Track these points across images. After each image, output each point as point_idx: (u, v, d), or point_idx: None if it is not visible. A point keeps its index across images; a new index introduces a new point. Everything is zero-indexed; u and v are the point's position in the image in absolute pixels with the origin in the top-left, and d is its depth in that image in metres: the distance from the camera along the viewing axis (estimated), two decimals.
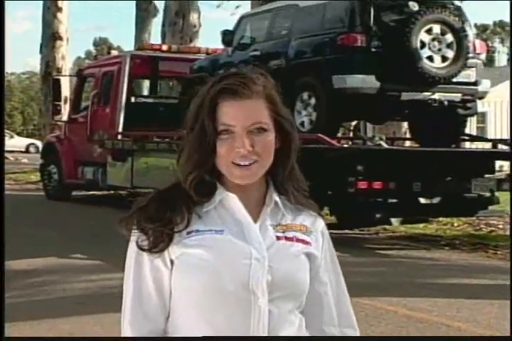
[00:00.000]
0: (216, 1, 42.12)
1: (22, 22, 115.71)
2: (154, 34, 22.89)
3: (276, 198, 1.77)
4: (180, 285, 1.70)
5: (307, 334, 1.78)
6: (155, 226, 1.69)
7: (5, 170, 23.16)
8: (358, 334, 1.89)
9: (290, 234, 1.76)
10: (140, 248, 1.71)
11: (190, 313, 1.70)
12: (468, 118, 12.78)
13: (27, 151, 39.64)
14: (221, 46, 12.11)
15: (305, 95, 9.94)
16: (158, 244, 1.69)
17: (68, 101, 17.59)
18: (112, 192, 15.21)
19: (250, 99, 1.70)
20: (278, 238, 1.74)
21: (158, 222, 1.69)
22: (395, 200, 9.48)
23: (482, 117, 24.83)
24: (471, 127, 23.38)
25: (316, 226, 1.82)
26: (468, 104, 10.25)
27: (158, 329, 1.74)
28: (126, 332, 1.74)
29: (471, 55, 10.00)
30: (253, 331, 1.67)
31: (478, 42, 10.51)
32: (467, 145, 13.42)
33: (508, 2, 11.52)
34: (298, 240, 1.76)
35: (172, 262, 1.71)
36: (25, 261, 8.55)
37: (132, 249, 1.74)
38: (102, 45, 63.84)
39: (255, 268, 1.68)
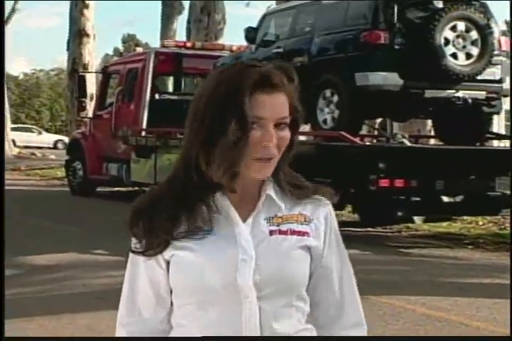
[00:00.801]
0: (243, 0, 42.07)
1: (51, 18, 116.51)
2: (180, 31, 22.91)
3: (270, 191, 1.73)
4: (175, 285, 1.72)
5: (309, 327, 1.76)
6: (146, 232, 1.70)
7: (31, 167, 23.42)
8: (363, 322, 1.84)
9: (285, 227, 1.73)
10: (133, 251, 1.73)
11: (187, 310, 1.71)
12: (497, 116, 12.69)
13: (55, 147, 39.95)
14: (246, 43, 12.12)
15: (328, 92, 9.90)
16: (151, 249, 1.70)
17: (94, 97, 17.68)
18: (136, 188, 15.28)
19: (280, 93, 1.67)
20: (271, 232, 1.71)
21: (149, 228, 1.69)
22: (417, 198, 9.41)
23: (511, 115, 24.56)
24: (500, 125, 23.17)
25: (318, 212, 1.77)
26: (493, 102, 10.15)
27: (153, 328, 1.76)
28: (119, 331, 1.76)
29: (496, 52, 9.90)
30: (245, 328, 1.67)
31: (503, 39, 10.41)
32: (495, 143, 13.28)
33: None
34: (293, 232, 1.72)
35: (167, 261, 1.72)
36: (46, 256, 8.62)
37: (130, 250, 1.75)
38: (130, 41, 64.08)
39: (242, 268, 1.66)
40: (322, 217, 1.77)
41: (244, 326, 1.67)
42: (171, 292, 1.74)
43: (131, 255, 1.75)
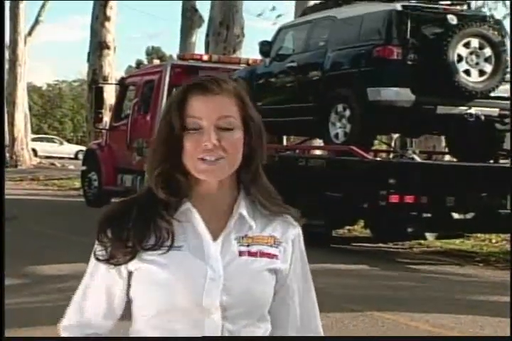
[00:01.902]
0: (260, 10, 42.31)
1: (76, 30, 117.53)
2: (199, 44, 23.01)
3: (243, 210, 1.73)
4: (139, 297, 1.71)
5: None
6: (113, 241, 1.70)
7: (49, 177, 23.54)
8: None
9: (254, 249, 1.72)
10: (96, 258, 1.73)
11: (149, 321, 1.70)
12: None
13: (76, 158, 40.11)
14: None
15: (340, 107, 9.92)
16: (116, 258, 1.70)
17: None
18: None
19: (220, 95, 1.69)
20: (240, 253, 1.71)
21: (117, 237, 1.69)
22: (427, 215, 9.37)
23: None
24: None
25: (287, 235, 1.77)
26: (506, 120, 10.11)
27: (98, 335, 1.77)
28: (62, 335, 1.77)
29: (509, 69, 9.87)
30: None
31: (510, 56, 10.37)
32: None
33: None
34: (262, 254, 1.72)
35: (130, 272, 1.71)
36: (56, 266, 8.64)
37: (92, 256, 1.75)
38: (154, 54, 64.45)
39: (209, 288, 1.66)
40: (290, 239, 1.78)
41: None
42: (128, 302, 1.74)
43: (92, 262, 1.75)
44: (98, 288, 1.75)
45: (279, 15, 15.41)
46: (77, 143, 48.97)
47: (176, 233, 1.69)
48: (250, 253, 1.72)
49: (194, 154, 1.67)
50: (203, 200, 1.72)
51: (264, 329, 1.74)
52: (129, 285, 1.73)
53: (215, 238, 1.70)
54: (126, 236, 1.69)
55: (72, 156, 40.73)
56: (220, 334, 1.66)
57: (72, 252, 9.61)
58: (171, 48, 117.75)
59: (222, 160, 1.67)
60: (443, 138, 13.57)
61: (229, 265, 1.69)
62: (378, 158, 10.67)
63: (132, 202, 1.74)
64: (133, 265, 1.70)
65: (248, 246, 1.72)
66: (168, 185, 1.70)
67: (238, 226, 1.73)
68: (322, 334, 1.85)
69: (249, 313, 1.70)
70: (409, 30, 9.55)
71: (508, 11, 17.54)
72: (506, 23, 10.19)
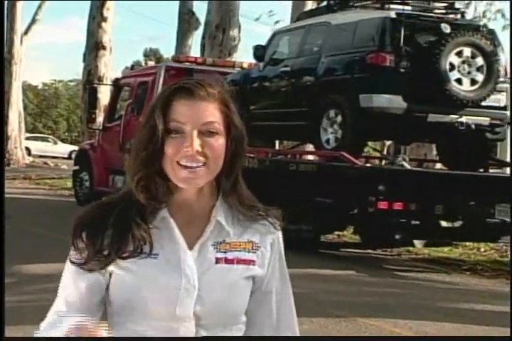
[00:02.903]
0: (257, 14, 42.35)
1: (74, 31, 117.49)
2: (195, 47, 23.01)
3: (220, 217, 1.71)
4: (113, 301, 1.70)
5: None
6: (88, 246, 1.67)
7: (41, 176, 23.51)
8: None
9: (231, 255, 1.71)
10: (71, 261, 1.71)
11: (124, 324, 1.69)
12: (509, 143, 12.63)
13: (70, 158, 40.04)
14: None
15: (332, 113, 9.94)
16: (88, 264, 1.68)
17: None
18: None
19: (204, 100, 1.67)
20: (217, 260, 1.70)
21: (92, 243, 1.67)
22: (415, 222, 9.40)
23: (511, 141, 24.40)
24: (508, 152, 22.93)
25: (266, 239, 1.76)
26: (497, 129, 10.14)
27: None
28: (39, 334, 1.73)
29: (502, 79, 9.91)
30: None
31: (510, 66, 10.42)
32: (508, 170, 13.19)
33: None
34: (239, 261, 1.72)
35: (110, 274, 1.69)
36: (43, 265, 8.62)
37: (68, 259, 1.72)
38: (152, 56, 64.43)
39: (183, 298, 1.65)
40: (269, 243, 1.77)
41: None
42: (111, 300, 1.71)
43: (67, 265, 1.72)
44: (74, 290, 1.71)
45: (277, 22, 15.42)
46: (71, 143, 48.90)
47: (150, 241, 1.67)
48: (227, 261, 1.71)
49: (174, 158, 1.65)
50: (181, 207, 1.71)
51: (237, 330, 1.74)
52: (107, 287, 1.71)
53: (191, 246, 1.69)
54: (101, 244, 1.66)
55: (65, 156, 40.65)
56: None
57: (61, 252, 9.52)
58: (169, 51, 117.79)
59: (202, 168, 1.65)
60: (434, 146, 13.61)
61: (204, 274, 1.67)
62: (368, 165, 10.68)
63: (108, 206, 1.71)
64: (110, 268, 1.69)
65: (225, 252, 1.71)
66: (149, 189, 1.69)
67: (216, 232, 1.72)
68: (298, 334, 1.84)
69: (224, 322, 1.70)
70: (402, 37, 9.57)
71: (506, 22, 17.64)
72: (505, 34, 10.19)
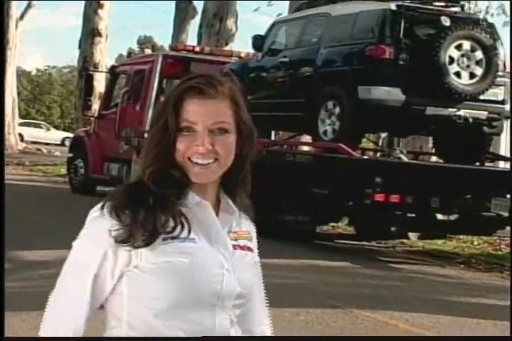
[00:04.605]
0: (254, 4, 42.23)
1: (69, 17, 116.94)
2: (192, 35, 22.95)
3: (233, 204, 1.79)
4: (152, 289, 1.68)
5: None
6: (133, 221, 1.66)
7: (35, 162, 23.47)
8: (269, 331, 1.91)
9: (241, 243, 1.79)
10: (115, 239, 1.66)
11: (154, 321, 1.68)
12: (504, 137, 12.65)
13: (63, 144, 39.93)
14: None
15: (330, 104, 9.93)
16: (134, 239, 1.65)
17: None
18: None
19: (215, 99, 1.71)
20: (234, 247, 1.77)
21: (136, 219, 1.66)
22: (411, 215, 9.41)
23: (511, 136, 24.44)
24: (507, 146, 22.98)
25: (251, 228, 1.87)
26: (494, 123, 10.15)
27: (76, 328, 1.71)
28: (44, 329, 1.72)
29: (500, 73, 9.92)
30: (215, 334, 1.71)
31: (509, 60, 10.42)
32: (501, 164, 13.24)
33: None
34: (248, 249, 1.80)
35: (136, 267, 1.68)
36: (38, 252, 8.63)
37: (93, 237, 1.70)
38: (146, 43, 64.20)
39: (228, 279, 1.71)
40: (254, 232, 1.88)
41: (215, 332, 1.70)
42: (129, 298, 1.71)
43: (89, 247, 1.70)
44: (91, 279, 1.70)
45: (279, 14, 15.34)
46: (64, 130, 48.76)
47: (189, 225, 1.71)
48: (240, 247, 1.78)
49: (185, 154, 1.70)
50: (199, 191, 1.75)
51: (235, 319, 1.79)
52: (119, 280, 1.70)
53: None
54: (144, 219, 1.66)
55: (58, 143, 40.55)
56: (228, 324, 1.71)
57: (56, 239, 9.55)
58: (163, 39, 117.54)
59: (214, 164, 1.70)
60: (430, 138, 13.62)
61: (232, 257, 1.75)
62: (365, 157, 10.67)
63: (143, 188, 1.71)
64: (148, 258, 1.67)
65: (236, 240, 1.78)
66: (163, 179, 1.71)
67: (226, 221, 1.79)
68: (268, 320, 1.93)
69: (243, 304, 1.77)
70: (402, 30, 9.56)
71: (507, 19, 17.66)
72: (505, 30, 10.19)
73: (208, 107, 1.70)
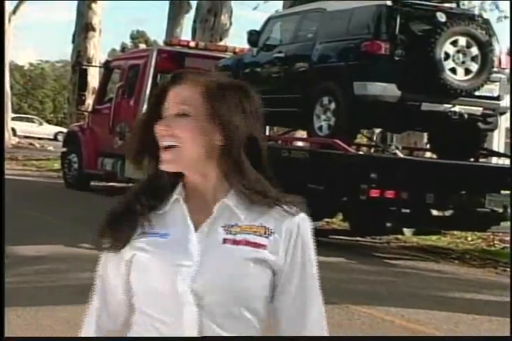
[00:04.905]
0: (252, 3, 42.15)
1: (61, 11, 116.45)
2: (186, 30, 22.90)
3: (228, 200, 1.73)
4: (133, 286, 1.76)
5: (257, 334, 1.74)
6: (114, 227, 1.75)
7: (28, 157, 23.42)
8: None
9: (240, 237, 1.70)
10: (100, 249, 1.78)
11: (137, 312, 1.76)
12: (497, 133, 12.68)
13: (55, 139, 39.86)
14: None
15: (325, 100, 9.92)
16: (113, 244, 1.75)
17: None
18: (130, 184, 15.27)
19: (185, 85, 1.73)
20: (224, 241, 1.70)
21: (116, 224, 1.75)
22: (406, 210, 9.43)
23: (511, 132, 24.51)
24: (500, 142, 23.05)
25: (283, 225, 1.73)
26: (489, 119, 10.17)
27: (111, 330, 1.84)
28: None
29: (495, 69, 9.93)
30: (185, 331, 1.68)
31: (504, 56, 10.43)
32: (494, 160, 13.26)
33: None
34: (247, 243, 1.70)
35: (130, 261, 1.76)
36: (34, 247, 8.62)
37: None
38: (139, 38, 64.04)
39: (181, 274, 1.67)
40: (284, 230, 1.74)
41: (185, 329, 1.68)
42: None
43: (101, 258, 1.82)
44: (108, 282, 1.83)
45: (277, 11, 15.30)
46: (56, 125, 48.66)
47: (164, 220, 1.74)
48: (234, 242, 1.70)
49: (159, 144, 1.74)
50: (193, 193, 1.75)
51: (247, 324, 1.71)
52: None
53: (198, 227, 1.72)
54: (119, 226, 1.74)
55: (51, 137, 40.48)
56: (195, 321, 1.67)
57: (51, 234, 9.60)
58: (156, 33, 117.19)
59: (175, 149, 1.70)
60: (425, 134, 13.63)
61: (208, 253, 1.69)
62: (361, 152, 10.68)
63: (128, 195, 1.79)
64: (127, 254, 1.74)
65: (235, 234, 1.71)
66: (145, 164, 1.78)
67: (227, 215, 1.73)
68: (325, 330, 1.81)
69: (231, 302, 1.68)
70: (398, 25, 9.56)
71: (500, 14, 17.71)
72: (499, 26, 10.21)
73: (175, 92, 1.73)
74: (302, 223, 1.76)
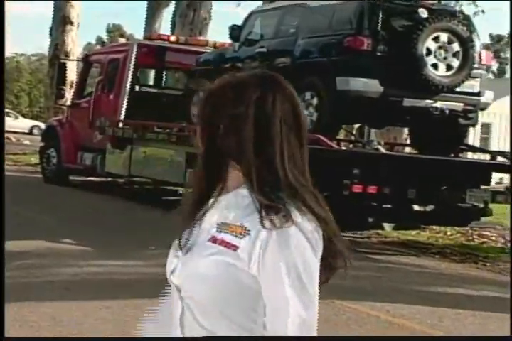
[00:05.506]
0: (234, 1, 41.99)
1: (37, 4, 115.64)
2: (165, 24, 22.81)
3: (225, 198, 1.70)
4: None
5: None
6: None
7: (5, 151, 23.20)
8: None
9: (220, 236, 1.66)
10: None
11: None
12: (473, 129, 12.77)
13: (31, 133, 39.59)
14: (230, 40, 12.10)
15: (308, 95, 9.92)
16: None
17: (73, 85, 17.58)
18: (110, 179, 15.22)
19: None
20: (210, 239, 1.68)
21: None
22: (388, 206, 9.48)
23: (487, 128, 24.78)
24: (475, 137, 23.26)
25: (260, 231, 1.61)
26: (470, 115, 10.24)
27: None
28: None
29: (476, 65, 10.00)
30: (172, 322, 1.72)
31: (484, 52, 10.51)
32: (469, 155, 13.39)
33: (508, 2, 11.52)
34: (222, 243, 1.65)
35: None
36: (15, 242, 8.54)
37: None
38: (115, 32, 63.78)
39: (170, 265, 1.75)
40: (260, 238, 1.62)
41: (172, 321, 1.71)
42: None
43: None
44: None
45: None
46: (32, 118, 48.29)
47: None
48: (214, 240, 1.66)
49: None
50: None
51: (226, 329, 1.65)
52: None
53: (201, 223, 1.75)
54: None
55: (26, 131, 40.17)
56: (178, 313, 1.69)
57: (34, 229, 9.54)
58: (133, 27, 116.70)
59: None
60: (404, 130, 13.71)
61: (191, 248, 1.71)
62: (344, 148, 10.71)
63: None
64: None
65: (220, 232, 1.67)
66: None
67: (220, 213, 1.70)
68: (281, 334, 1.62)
69: (196, 303, 1.67)
70: (380, 21, 9.59)
71: (478, 9, 17.82)
72: (484, 18, 10.25)
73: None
74: (274, 238, 1.61)
